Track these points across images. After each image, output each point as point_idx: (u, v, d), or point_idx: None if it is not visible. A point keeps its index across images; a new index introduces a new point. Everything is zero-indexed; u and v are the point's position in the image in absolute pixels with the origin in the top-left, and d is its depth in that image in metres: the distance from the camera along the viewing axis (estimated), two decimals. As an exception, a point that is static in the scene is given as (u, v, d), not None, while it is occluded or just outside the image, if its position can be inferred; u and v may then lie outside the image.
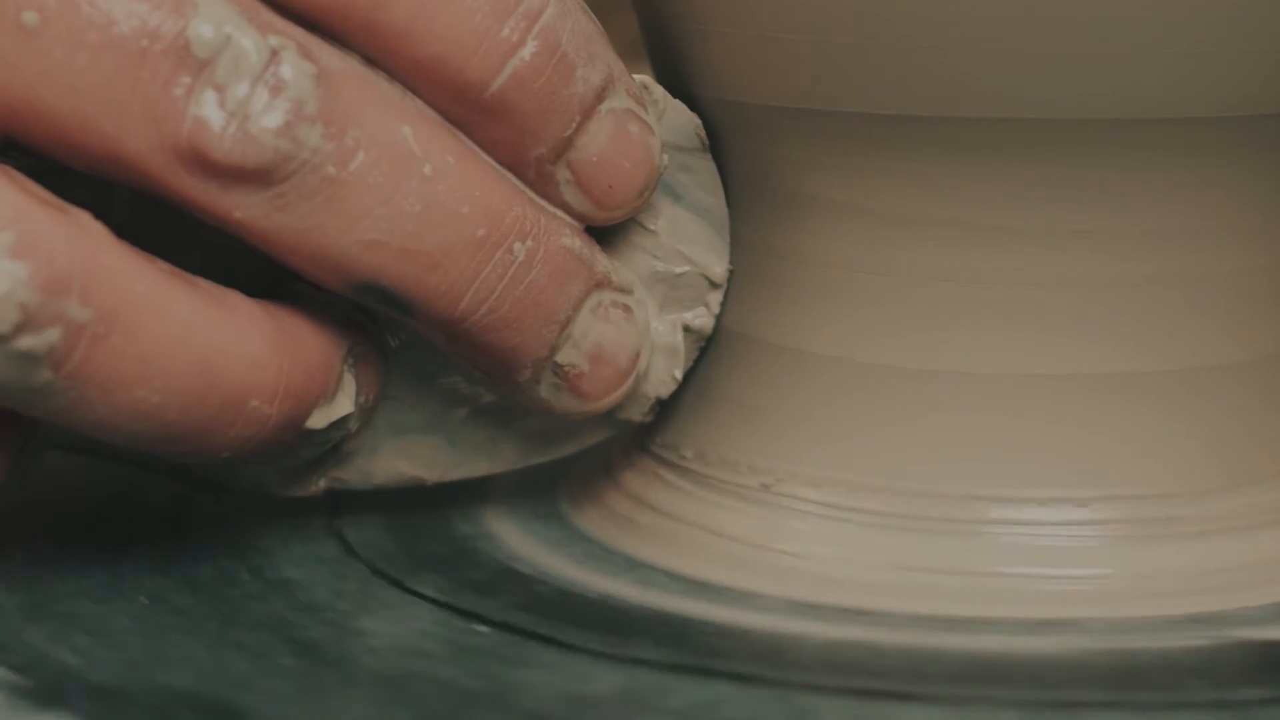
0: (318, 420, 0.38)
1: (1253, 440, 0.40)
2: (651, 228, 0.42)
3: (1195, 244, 0.39)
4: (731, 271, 0.43)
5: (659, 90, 0.41)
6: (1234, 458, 0.40)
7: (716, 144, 0.42)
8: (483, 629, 0.38)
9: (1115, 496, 0.39)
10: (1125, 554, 0.39)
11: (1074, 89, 0.37)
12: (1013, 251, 0.39)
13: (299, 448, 0.39)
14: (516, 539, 0.43)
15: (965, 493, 0.39)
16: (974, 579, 0.39)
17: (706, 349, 0.43)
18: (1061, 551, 0.39)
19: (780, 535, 0.40)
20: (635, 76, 0.40)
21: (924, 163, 0.39)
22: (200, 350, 0.35)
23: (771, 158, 0.41)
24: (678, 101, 0.42)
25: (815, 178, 0.40)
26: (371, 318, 0.40)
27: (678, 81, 0.42)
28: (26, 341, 0.33)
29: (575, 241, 0.39)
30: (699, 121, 0.42)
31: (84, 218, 0.34)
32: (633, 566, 0.41)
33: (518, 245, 0.38)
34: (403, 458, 0.43)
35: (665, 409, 0.43)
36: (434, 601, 0.39)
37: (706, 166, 0.42)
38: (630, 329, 0.40)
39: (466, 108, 0.37)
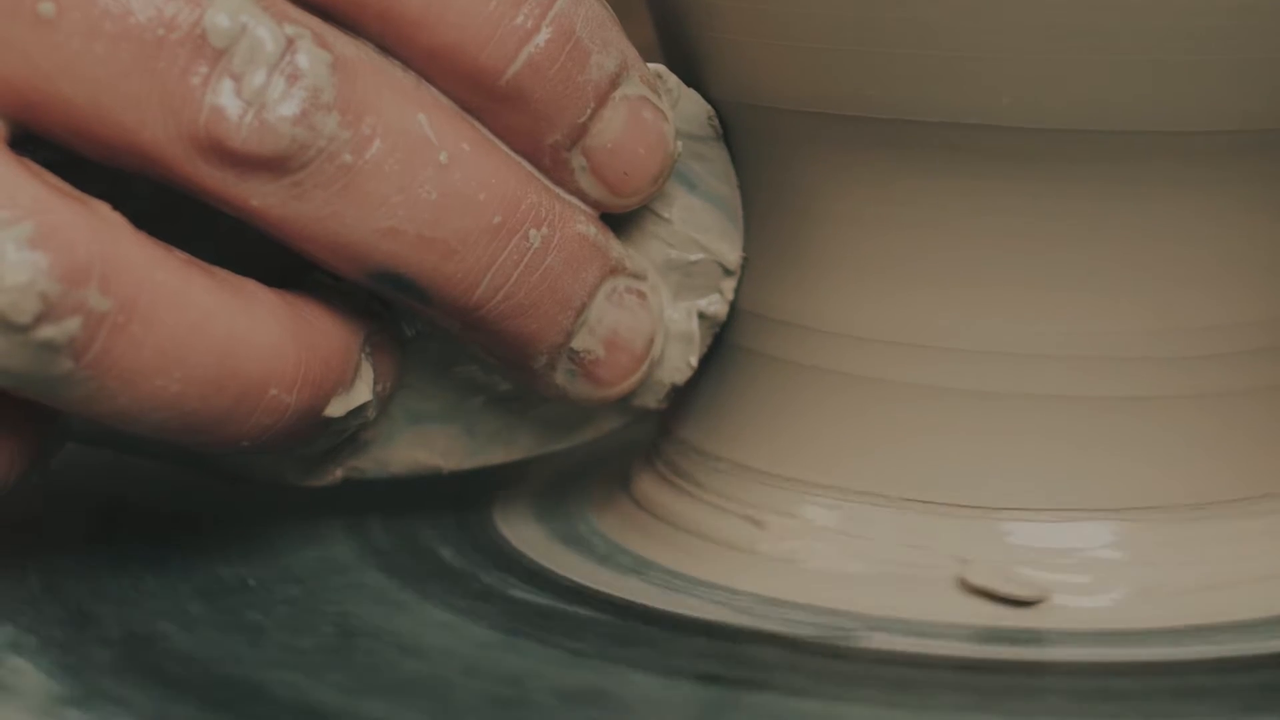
0: (336, 409, 0.38)
1: (1264, 453, 0.40)
2: (666, 215, 0.42)
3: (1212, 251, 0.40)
4: (745, 259, 0.43)
5: (673, 79, 0.41)
6: (1244, 471, 0.40)
7: (730, 147, 0.42)
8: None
9: (1128, 509, 0.39)
10: (1137, 567, 0.39)
11: (1094, 99, 0.37)
12: (1031, 255, 0.39)
13: (317, 437, 0.39)
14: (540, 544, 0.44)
15: (977, 505, 0.39)
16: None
17: (722, 355, 0.43)
18: (1075, 564, 0.39)
19: (793, 542, 0.40)
20: (649, 65, 0.41)
21: (937, 168, 0.39)
22: (219, 339, 0.35)
23: (786, 161, 0.41)
24: (691, 90, 0.42)
25: (829, 181, 0.41)
26: (388, 306, 0.40)
27: (692, 85, 0.42)
28: (47, 331, 0.33)
29: (590, 228, 0.39)
30: (712, 110, 0.42)
31: (102, 208, 0.35)
32: (647, 569, 0.42)
33: (533, 232, 0.38)
34: (420, 446, 0.43)
35: (682, 415, 0.43)
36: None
37: (720, 155, 0.42)
38: (645, 315, 0.41)
39: (481, 95, 0.38)
